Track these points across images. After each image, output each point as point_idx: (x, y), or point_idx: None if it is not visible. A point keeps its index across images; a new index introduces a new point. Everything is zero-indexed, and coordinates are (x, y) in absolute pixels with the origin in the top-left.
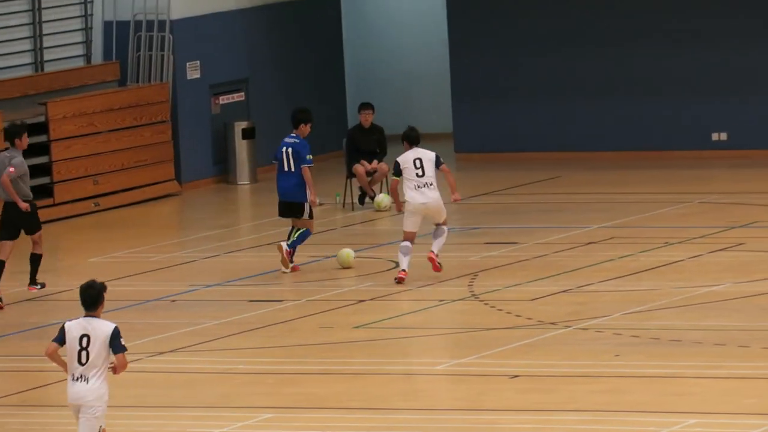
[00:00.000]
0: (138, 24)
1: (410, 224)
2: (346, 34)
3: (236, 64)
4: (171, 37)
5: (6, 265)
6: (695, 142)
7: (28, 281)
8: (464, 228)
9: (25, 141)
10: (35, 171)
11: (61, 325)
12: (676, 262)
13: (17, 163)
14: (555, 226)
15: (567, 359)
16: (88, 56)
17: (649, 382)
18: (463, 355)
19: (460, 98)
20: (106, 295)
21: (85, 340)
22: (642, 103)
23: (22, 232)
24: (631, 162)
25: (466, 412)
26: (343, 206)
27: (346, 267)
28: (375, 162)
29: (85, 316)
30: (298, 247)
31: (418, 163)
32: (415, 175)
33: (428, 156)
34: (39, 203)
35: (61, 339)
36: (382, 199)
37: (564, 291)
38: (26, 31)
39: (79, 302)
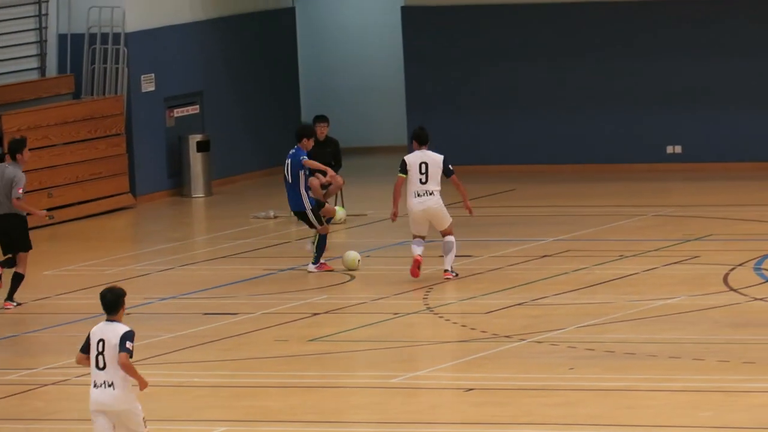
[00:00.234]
0: (93, 37)
1: (417, 229)
2: (301, 46)
3: (191, 76)
4: (126, 49)
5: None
6: (650, 155)
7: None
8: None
9: (27, 155)
10: None
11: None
12: (631, 275)
13: (20, 180)
14: (510, 239)
15: (521, 372)
16: (42, 69)
17: (604, 395)
18: (417, 368)
19: (414, 111)
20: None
21: (101, 344)
22: (597, 116)
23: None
24: (587, 175)
25: (420, 426)
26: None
27: (351, 269)
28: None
29: (106, 321)
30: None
31: (423, 167)
32: (418, 180)
33: (435, 160)
34: None
35: (84, 347)
36: (337, 211)
37: (519, 304)
38: None
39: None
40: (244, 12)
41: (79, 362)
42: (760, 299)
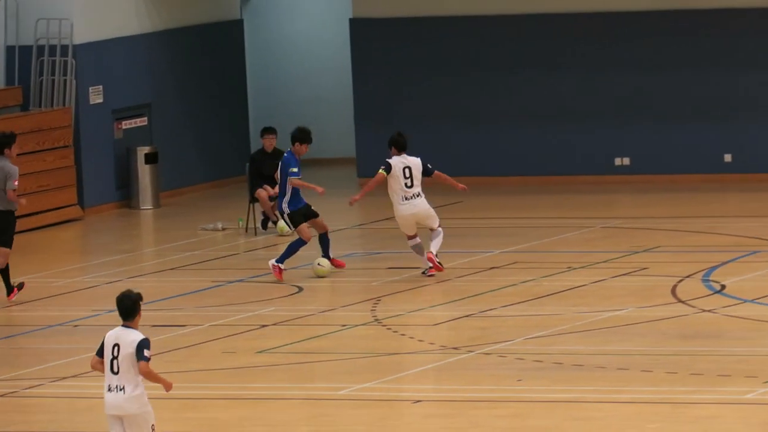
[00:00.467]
0: (41, 49)
1: (407, 229)
2: (249, 58)
3: (139, 88)
4: (74, 61)
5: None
6: (598, 168)
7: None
8: (367, 253)
9: (15, 150)
10: None
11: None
12: (579, 286)
13: (14, 173)
14: (457, 251)
15: (470, 384)
16: None
17: (552, 407)
18: (366, 379)
19: (362, 123)
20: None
21: (116, 349)
22: (545, 128)
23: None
24: (534, 187)
25: None
26: (246, 231)
27: (321, 276)
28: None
29: (122, 326)
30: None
31: (407, 172)
32: (404, 185)
33: (415, 164)
34: None
35: (100, 350)
36: (284, 224)
37: (467, 316)
38: None
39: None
40: (193, 24)
41: (93, 366)
42: (708, 311)
